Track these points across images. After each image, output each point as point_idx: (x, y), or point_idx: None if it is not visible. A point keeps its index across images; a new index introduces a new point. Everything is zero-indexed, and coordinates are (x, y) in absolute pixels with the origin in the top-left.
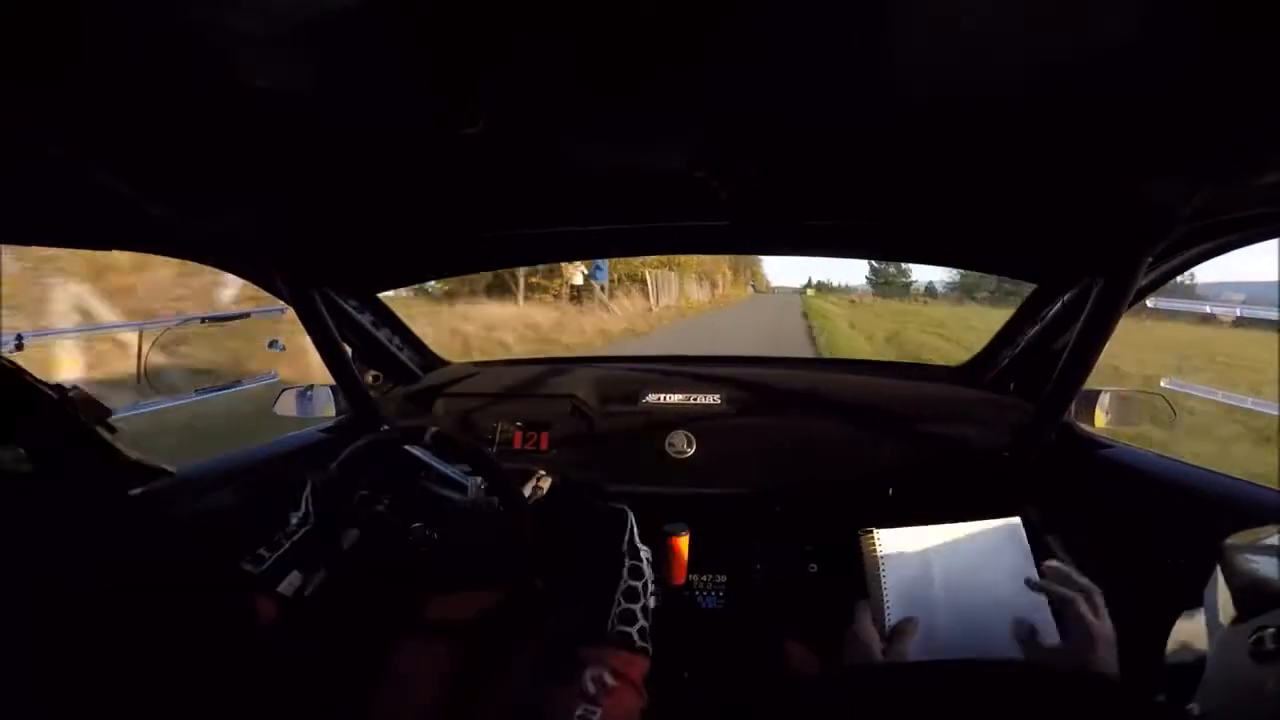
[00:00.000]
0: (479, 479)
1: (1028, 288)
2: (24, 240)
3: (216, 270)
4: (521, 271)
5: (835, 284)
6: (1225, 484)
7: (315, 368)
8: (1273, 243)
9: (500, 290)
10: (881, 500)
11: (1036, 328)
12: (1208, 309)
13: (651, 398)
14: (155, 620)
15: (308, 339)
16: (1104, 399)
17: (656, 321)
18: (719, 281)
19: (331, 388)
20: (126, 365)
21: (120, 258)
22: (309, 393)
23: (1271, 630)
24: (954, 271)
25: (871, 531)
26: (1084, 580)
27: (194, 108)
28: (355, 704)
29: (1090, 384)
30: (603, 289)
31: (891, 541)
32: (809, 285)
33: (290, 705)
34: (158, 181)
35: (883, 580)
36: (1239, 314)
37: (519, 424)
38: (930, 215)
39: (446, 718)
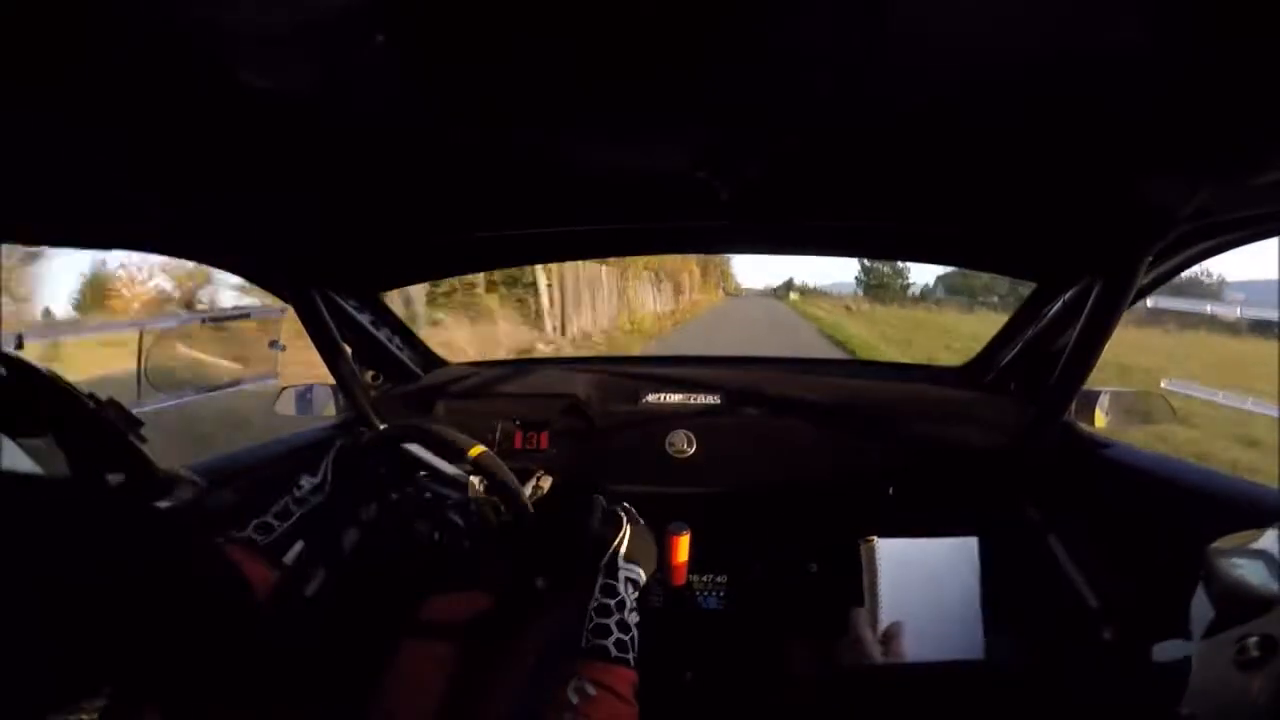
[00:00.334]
0: (479, 478)
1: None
2: (24, 240)
3: None
4: None
5: (816, 285)
6: (1226, 484)
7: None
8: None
9: None
10: (881, 500)
11: (1036, 328)
12: (1208, 309)
13: (651, 397)
14: (159, 628)
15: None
16: (1104, 399)
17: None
18: (685, 284)
19: (331, 388)
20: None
21: None
22: (309, 393)
23: (1255, 639)
24: (953, 270)
25: (872, 540)
26: None
27: (194, 107)
28: (355, 703)
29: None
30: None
31: (888, 550)
32: (790, 288)
33: (290, 704)
34: (158, 181)
35: (879, 586)
36: (1239, 314)
37: (519, 424)
38: (930, 215)
39: (446, 718)
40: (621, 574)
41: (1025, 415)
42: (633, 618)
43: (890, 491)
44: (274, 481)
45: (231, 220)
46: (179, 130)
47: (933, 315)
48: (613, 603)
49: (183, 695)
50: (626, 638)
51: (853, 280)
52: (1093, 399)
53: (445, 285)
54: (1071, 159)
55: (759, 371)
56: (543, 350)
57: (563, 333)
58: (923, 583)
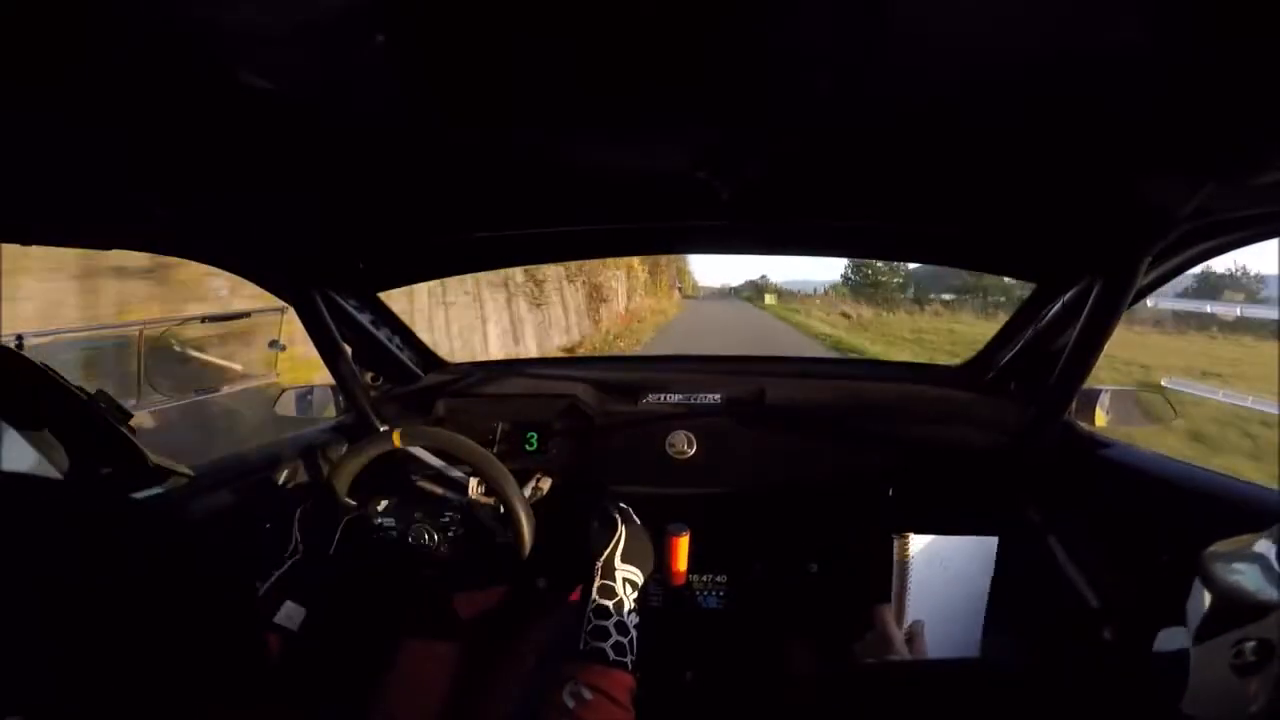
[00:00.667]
0: (478, 479)
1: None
2: (24, 240)
3: None
4: None
5: (794, 286)
6: (1226, 484)
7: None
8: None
9: None
10: (881, 500)
11: (1036, 328)
12: (1208, 308)
13: (651, 398)
14: (159, 628)
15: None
16: (1104, 398)
17: None
18: (615, 290)
19: (331, 388)
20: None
21: None
22: (309, 393)
23: (1252, 643)
24: (953, 270)
25: (907, 536)
26: None
27: (194, 108)
28: (356, 704)
29: None
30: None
31: (919, 546)
32: (766, 289)
33: (290, 703)
34: (158, 181)
35: (908, 582)
36: (1239, 313)
37: (519, 424)
38: (930, 215)
39: (446, 718)
40: (619, 574)
41: (1025, 415)
42: (632, 619)
43: (890, 491)
44: (274, 482)
45: (231, 220)
46: (179, 130)
47: (960, 323)
48: (610, 604)
49: (183, 693)
50: (625, 640)
51: (826, 279)
52: (1093, 398)
53: None
54: (1071, 159)
55: (759, 371)
56: None
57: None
58: (944, 581)
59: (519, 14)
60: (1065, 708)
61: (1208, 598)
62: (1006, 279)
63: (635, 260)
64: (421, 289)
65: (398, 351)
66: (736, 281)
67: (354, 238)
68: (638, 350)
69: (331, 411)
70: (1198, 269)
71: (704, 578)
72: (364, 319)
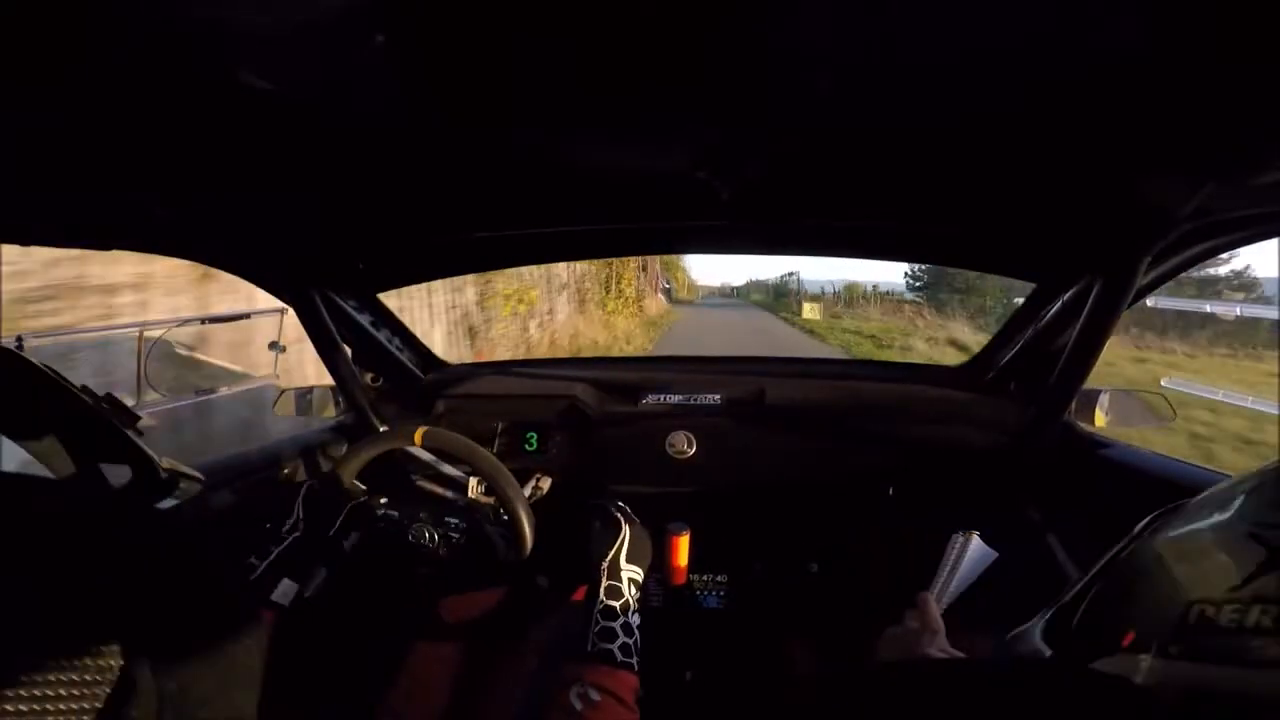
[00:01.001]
0: (478, 479)
1: None
2: (24, 240)
3: None
4: None
5: (822, 288)
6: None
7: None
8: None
9: None
10: (882, 500)
11: (1036, 328)
12: (1208, 308)
13: (651, 398)
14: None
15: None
16: (1104, 398)
17: None
18: (547, 307)
19: (331, 388)
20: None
21: None
22: (309, 393)
23: None
24: None
25: (972, 534)
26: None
27: (194, 108)
28: (357, 705)
29: None
30: None
31: (976, 547)
32: (802, 295)
33: (292, 706)
34: (158, 181)
35: (955, 580)
36: (1239, 313)
37: (519, 424)
38: (930, 215)
39: (451, 718)
40: (624, 575)
41: (1025, 415)
42: (635, 619)
43: (890, 491)
44: (273, 482)
45: (231, 220)
46: (179, 131)
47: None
48: (617, 605)
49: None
50: (631, 641)
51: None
52: (1093, 398)
53: None
54: (1072, 159)
55: (759, 371)
56: None
57: None
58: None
59: (519, 14)
60: (1065, 707)
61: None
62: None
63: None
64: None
65: (397, 352)
66: (747, 280)
67: (354, 238)
68: None
69: (331, 411)
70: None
71: (704, 577)
72: (364, 319)
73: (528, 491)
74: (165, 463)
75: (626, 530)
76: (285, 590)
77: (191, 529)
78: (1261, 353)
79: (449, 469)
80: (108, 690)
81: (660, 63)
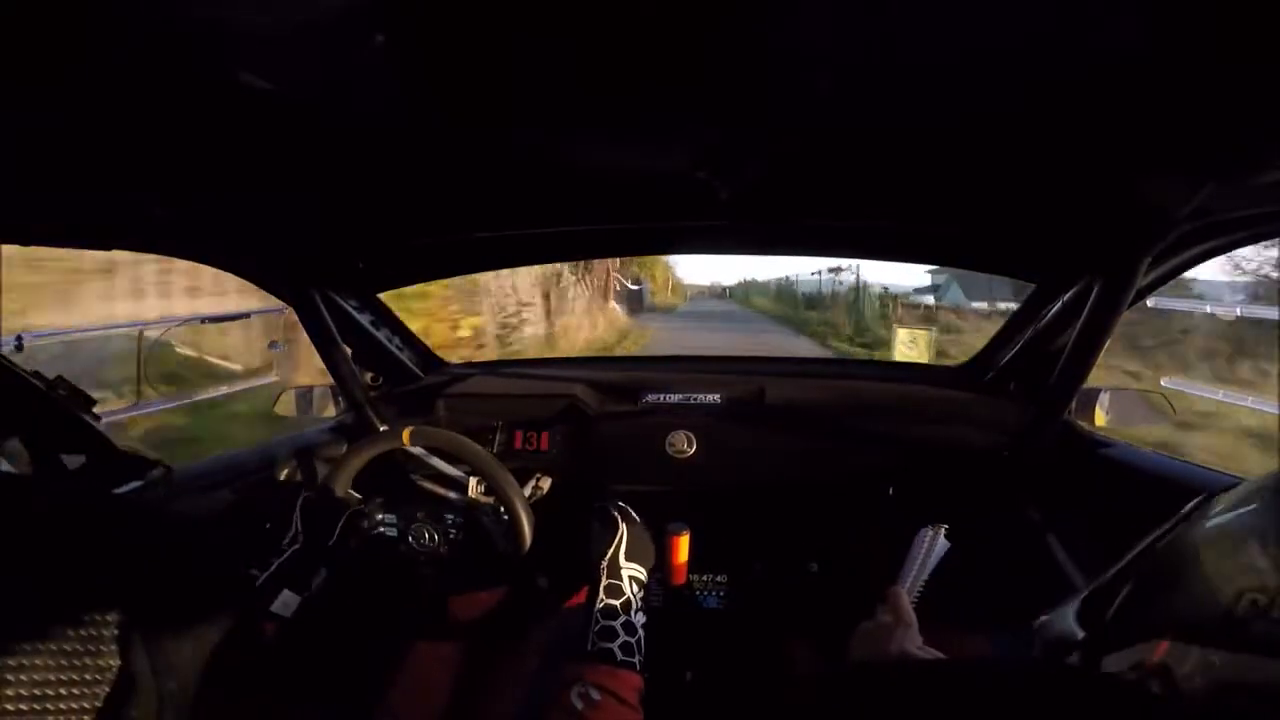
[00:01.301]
0: (478, 479)
1: None
2: (24, 240)
3: None
4: None
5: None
6: (1226, 482)
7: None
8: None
9: None
10: (881, 500)
11: (1036, 328)
12: (1208, 308)
13: (651, 397)
14: (153, 627)
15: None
16: (1104, 398)
17: None
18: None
19: (331, 388)
20: None
21: None
22: (309, 393)
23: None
24: None
25: (941, 528)
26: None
27: (194, 107)
28: (358, 704)
29: None
30: None
31: (944, 542)
32: (843, 301)
33: (293, 707)
34: (157, 181)
35: (924, 575)
36: (1239, 313)
37: (519, 424)
38: (930, 215)
39: (451, 718)
40: (624, 573)
41: (1025, 415)
42: (639, 618)
43: (890, 491)
44: (273, 482)
45: (231, 220)
46: (179, 130)
47: None
48: (618, 603)
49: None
50: (633, 640)
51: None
52: (1092, 398)
53: None
54: (1071, 159)
55: (759, 371)
56: None
57: None
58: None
59: (519, 14)
60: (1065, 707)
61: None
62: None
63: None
64: None
65: (397, 352)
66: (743, 280)
67: (354, 238)
68: None
69: (331, 411)
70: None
71: (704, 577)
72: (364, 319)
73: (528, 491)
74: (125, 446)
75: (624, 528)
76: (286, 601)
77: (192, 529)
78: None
79: (448, 469)
80: (107, 689)
81: (660, 63)
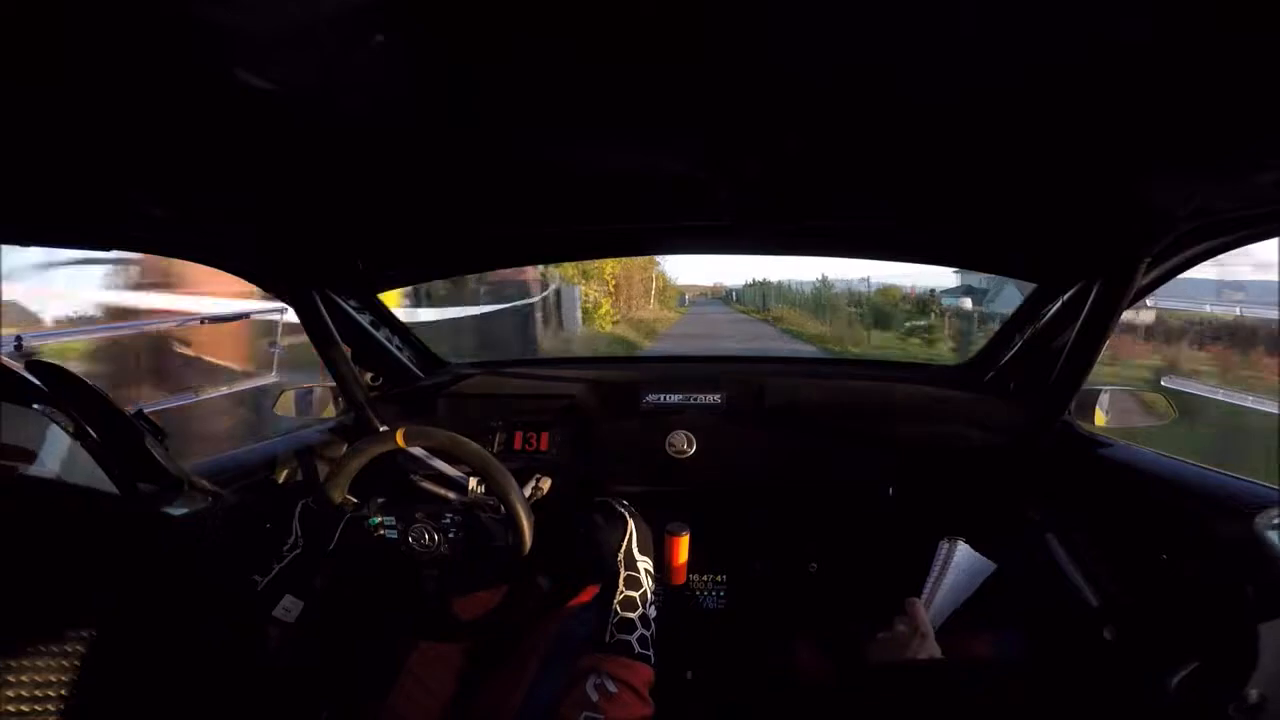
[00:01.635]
0: (478, 479)
1: None
2: (24, 240)
3: None
4: None
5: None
6: (1226, 482)
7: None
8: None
9: None
10: (881, 500)
11: (1036, 327)
12: (1207, 308)
13: (651, 398)
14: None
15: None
16: (1104, 398)
17: None
18: None
19: (331, 388)
20: None
21: None
22: (309, 393)
23: None
24: None
25: (959, 540)
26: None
27: (194, 107)
28: (359, 704)
29: None
30: None
31: (964, 554)
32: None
33: (293, 709)
34: (158, 182)
35: (942, 586)
36: (1239, 313)
37: (519, 424)
38: (930, 215)
39: (451, 719)
40: (640, 565)
41: (1025, 415)
42: (652, 611)
43: (890, 491)
44: (274, 483)
45: (231, 220)
46: (179, 130)
47: None
48: (637, 595)
49: (186, 692)
50: (649, 634)
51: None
52: (1092, 398)
53: None
54: (1072, 158)
55: (759, 371)
56: None
57: None
58: (965, 588)
59: (519, 15)
60: (1066, 706)
61: (1268, 572)
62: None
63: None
64: None
65: (397, 352)
66: (750, 281)
67: (354, 238)
68: None
69: (331, 411)
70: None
71: (704, 577)
72: (364, 319)
73: (528, 491)
74: (194, 480)
75: (632, 523)
76: (287, 606)
77: (193, 533)
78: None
79: (448, 469)
80: (107, 690)
81: (660, 63)
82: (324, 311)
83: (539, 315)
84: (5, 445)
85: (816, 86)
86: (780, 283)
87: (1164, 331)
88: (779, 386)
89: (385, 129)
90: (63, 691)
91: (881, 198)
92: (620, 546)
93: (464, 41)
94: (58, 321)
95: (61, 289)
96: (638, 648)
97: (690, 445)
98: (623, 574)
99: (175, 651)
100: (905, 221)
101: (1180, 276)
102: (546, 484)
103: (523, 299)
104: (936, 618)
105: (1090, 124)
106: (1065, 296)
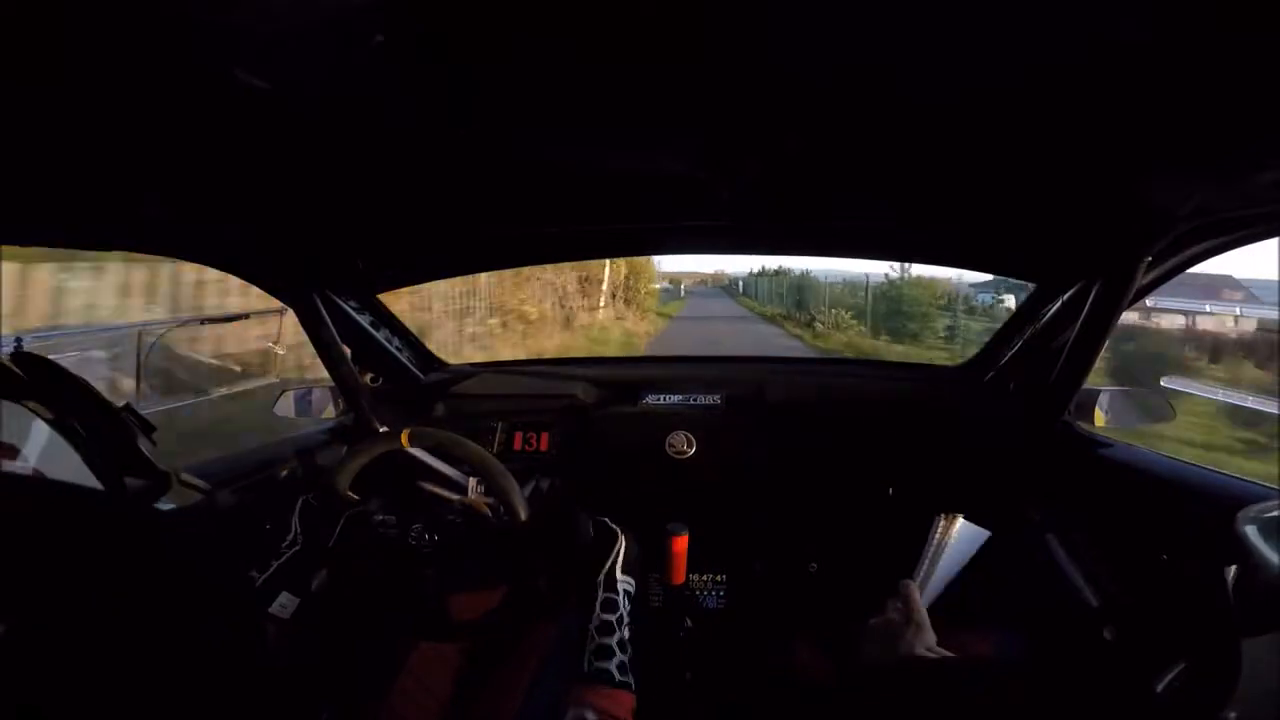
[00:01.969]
0: (478, 479)
1: None
2: (24, 240)
3: None
4: None
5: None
6: (1225, 482)
7: None
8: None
9: None
10: (881, 500)
11: (1036, 327)
12: (1207, 308)
13: (651, 398)
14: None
15: None
16: (1103, 398)
17: None
18: None
19: (331, 388)
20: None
21: None
22: (309, 393)
23: None
24: None
25: (956, 517)
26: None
27: (194, 108)
28: (359, 706)
29: None
30: None
31: (963, 531)
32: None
33: (292, 708)
34: (158, 181)
35: (938, 564)
36: (1238, 313)
37: (519, 425)
38: (930, 215)
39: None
40: (620, 586)
41: (1025, 415)
42: (628, 633)
43: (890, 491)
44: (274, 484)
45: (231, 220)
46: (179, 131)
47: None
48: (613, 619)
49: (182, 691)
50: (627, 658)
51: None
52: (1092, 398)
53: None
54: (1071, 159)
55: (759, 371)
56: None
57: None
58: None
59: (519, 15)
60: (1066, 706)
61: (1251, 586)
62: None
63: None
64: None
65: (397, 352)
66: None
67: (354, 238)
68: None
69: (331, 411)
70: None
71: (704, 577)
72: (364, 319)
73: (527, 492)
74: (181, 474)
75: (622, 542)
76: (284, 603)
77: (192, 531)
78: None
79: (447, 469)
80: (107, 692)
81: (660, 63)
82: (324, 311)
83: None
84: None
85: (816, 86)
86: (806, 272)
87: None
88: (779, 386)
89: (385, 129)
90: (58, 690)
91: (881, 198)
92: (602, 567)
93: (464, 41)
94: None
95: None
96: (617, 675)
97: (690, 445)
98: (600, 596)
99: (171, 649)
100: (905, 221)
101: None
102: (546, 484)
103: None
104: (932, 594)
105: (1090, 124)
106: (1065, 296)
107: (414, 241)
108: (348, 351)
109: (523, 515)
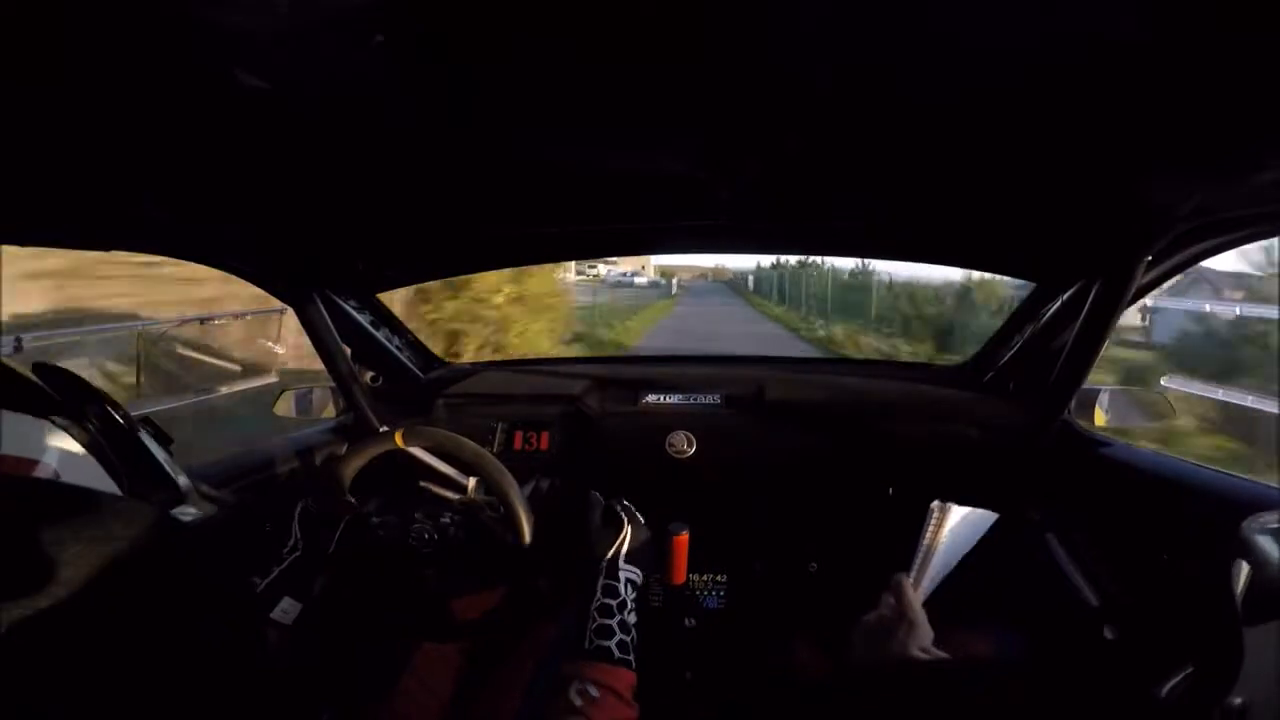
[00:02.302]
0: (478, 479)
1: None
2: (24, 240)
3: None
4: None
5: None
6: (1225, 481)
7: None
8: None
9: None
10: (882, 500)
11: (1036, 327)
12: (1207, 308)
13: (651, 398)
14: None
15: None
16: (1103, 397)
17: None
18: None
19: (331, 388)
20: None
21: None
22: (309, 393)
23: None
24: None
25: (949, 506)
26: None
27: (194, 108)
28: (360, 708)
29: None
30: None
31: (957, 518)
32: None
33: (293, 710)
34: (157, 182)
35: (933, 556)
36: (1238, 312)
37: (519, 424)
38: (930, 215)
39: (451, 718)
40: (622, 574)
41: (1025, 414)
42: (631, 618)
43: (890, 491)
44: (274, 484)
45: (231, 220)
46: (179, 131)
47: None
48: (614, 603)
49: (184, 694)
50: (628, 639)
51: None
52: (1092, 397)
53: None
54: (1071, 158)
55: (759, 371)
56: None
57: None
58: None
59: (519, 15)
60: (1066, 706)
61: (1255, 581)
62: None
63: None
64: None
65: (397, 351)
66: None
67: (354, 238)
68: None
69: (331, 411)
70: None
71: (704, 577)
72: (363, 319)
73: (527, 491)
74: (199, 487)
75: (628, 530)
76: (286, 608)
77: (192, 534)
78: None
79: (447, 469)
80: (106, 693)
81: (660, 63)
82: (324, 311)
83: None
84: (13, 450)
85: (816, 87)
86: (833, 269)
87: None
88: (778, 386)
89: (385, 129)
90: (60, 691)
91: (881, 198)
92: (607, 554)
93: (464, 41)
94: None
95: None
96: (617, 653)
97: (690, 445)
98: (602, 581)
99: (176, 654)
100: (905, 221)
101: None
102: (546, 484)
103: None
104: (929, 587)
105: (1090, 124)
106: (1065, 296)
107: (414, 241)
108: (348, 351)
109: (523, 516)
